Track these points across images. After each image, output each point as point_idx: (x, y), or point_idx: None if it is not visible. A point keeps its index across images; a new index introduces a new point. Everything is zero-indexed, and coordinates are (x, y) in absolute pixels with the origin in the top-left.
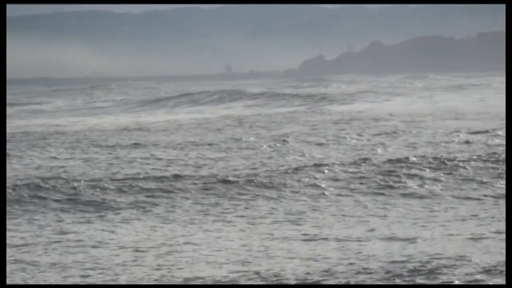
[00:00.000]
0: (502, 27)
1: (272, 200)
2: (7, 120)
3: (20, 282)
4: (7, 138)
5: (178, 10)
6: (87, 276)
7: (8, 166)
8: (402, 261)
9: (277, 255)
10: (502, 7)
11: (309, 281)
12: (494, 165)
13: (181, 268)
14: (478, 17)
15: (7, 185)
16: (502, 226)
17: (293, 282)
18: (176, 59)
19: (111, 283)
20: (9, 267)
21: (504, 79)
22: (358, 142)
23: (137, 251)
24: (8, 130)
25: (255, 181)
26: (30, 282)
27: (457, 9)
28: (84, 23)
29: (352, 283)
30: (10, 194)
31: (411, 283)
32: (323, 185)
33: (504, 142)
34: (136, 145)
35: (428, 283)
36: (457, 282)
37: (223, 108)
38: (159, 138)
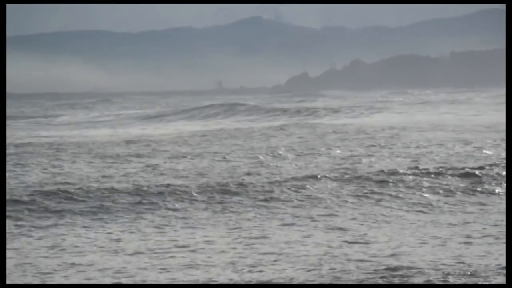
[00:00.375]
0: (473, 47)
1: (262, 206)
2: (15, 132)
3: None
4: (15, 149)
5: (174, 30)
6: (88, 279)
7: (15, 174)
8: (379, 263)
9: (263, 258)
10: (474, 28)
11: (296, 282)
12: (472, 173)
13: (176, 270)
14: (451, 37)
15: (13, 191)
16: (482, 231)
17: (281, 281)
18: (172, 76)
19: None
20: (9, 268)
21: (476, 94)
22: (343, 153)
23: (135, 254)
24: (16, 141)
25: (247, 189)
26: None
27: (431, 29)
28: (85, 42)
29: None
30: (15, 198)
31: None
32: (310, 192)
33: (479, 151)
34: (135, 155)
35: (413, 284)
36: (438, 283)
37: (217, 122)
38: (158, 149)
